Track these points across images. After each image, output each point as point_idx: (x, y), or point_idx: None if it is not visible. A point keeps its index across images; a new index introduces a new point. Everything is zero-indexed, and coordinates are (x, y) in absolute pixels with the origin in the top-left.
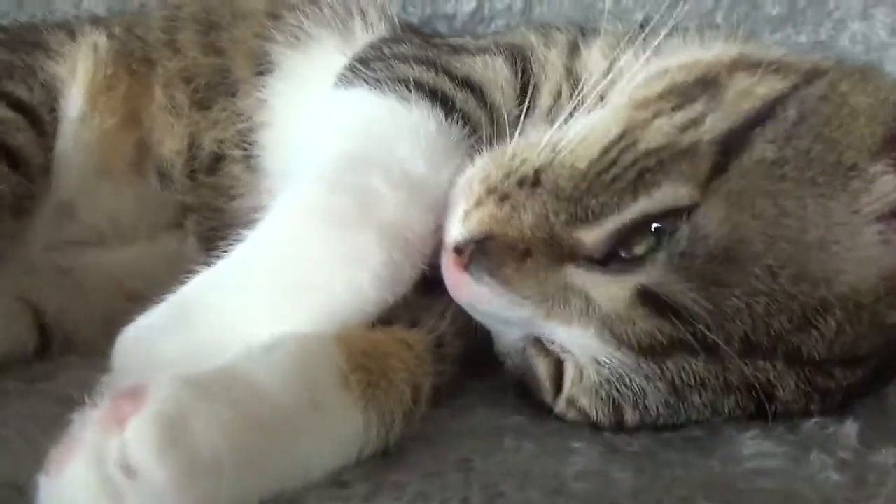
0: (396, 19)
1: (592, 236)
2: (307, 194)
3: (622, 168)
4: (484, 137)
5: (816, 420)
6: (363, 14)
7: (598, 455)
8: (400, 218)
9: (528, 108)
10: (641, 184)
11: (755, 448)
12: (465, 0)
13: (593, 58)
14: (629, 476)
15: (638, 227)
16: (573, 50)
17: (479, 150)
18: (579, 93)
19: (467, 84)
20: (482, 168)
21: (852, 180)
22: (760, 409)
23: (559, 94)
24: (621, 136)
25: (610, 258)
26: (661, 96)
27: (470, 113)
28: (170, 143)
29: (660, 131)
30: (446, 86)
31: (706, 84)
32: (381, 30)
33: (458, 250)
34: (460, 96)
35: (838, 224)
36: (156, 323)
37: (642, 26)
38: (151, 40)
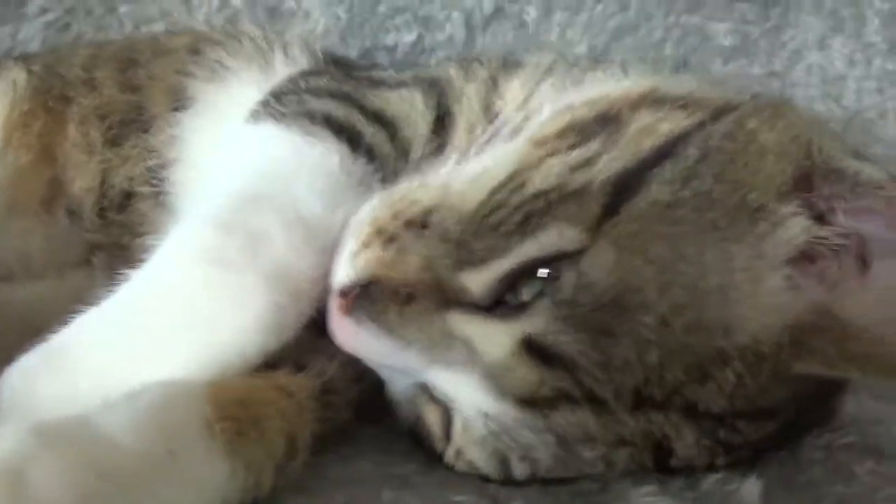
0: (320, 52)
1: (478, 281)
2: (194, 234)
3: (509, 211)
4: (392, 174)
5: (719, 476)
6: (285, 47)
7: None
8: (289, 260)
9: (442, 144)
10: (528, 227)
11: None
12: (406, 31)
13: (511, 92)
14: None
15: (525, 273)
16: (492, 84)
17: (387, 188)
18: (485, 129)
19: (379, 118)
20: (373, 208)
21: (758, 223)
22: (660, 464)
23: (474, 129)
24: (511, 177)
25: (497, 304)
26: (560, 134)
27: (378, 148)
28: (81, 181)
29: (551, 172)
30: (356, 119)
31: (606, 121)
32: (302, 63)
33: (343, 293)
34: (369, 131)
35: (740, 269)
36: (36, 364)
37: (565, 59)
38: (70, 77)
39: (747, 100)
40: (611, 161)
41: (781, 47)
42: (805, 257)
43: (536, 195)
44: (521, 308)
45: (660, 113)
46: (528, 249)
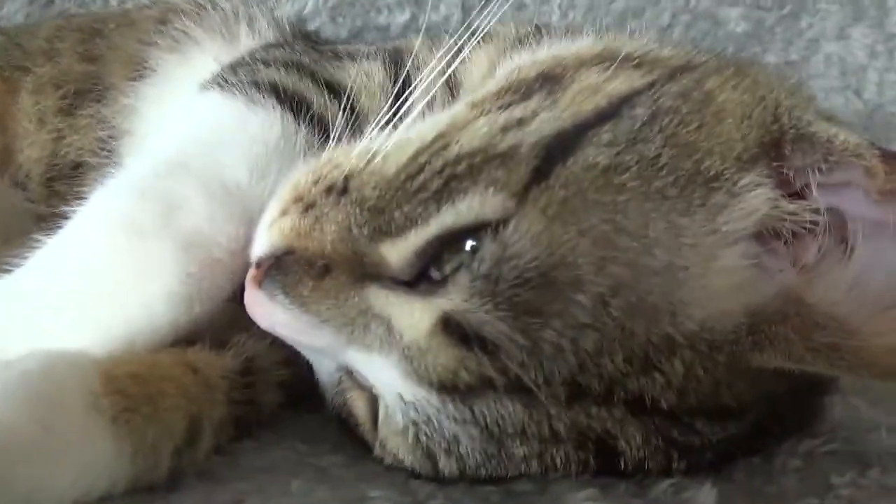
0: (288, 27)
1: (397, 253)
2: (109, 200)
3: (430, 175)
4: (342, 144)
5: (673, 481)
6: (250, 19)
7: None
8: (204, 228)
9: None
10: (446, 192)
11: None
12: (398, 11)
13: (477, 62)
14: None
15: (448, 244)
16: (458, 53)
17: None
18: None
19: (331, 88)
20: (295, 174)
21: (713, 193)
22: (607, 465)
23: (433, 99)
24: (436, 139)
25: (420, 278)
26: (498, 94)
27: (327, 118)
28: (30, 150)
29: (477, 133)
30: (307, 89)
31: (548, 79)
32: (268, 36)
33: (258, 264)
34: (319, 101)
35: (690, 245)
36: None
37: (539, 28)
38: (31, 48)
39: (709, 59)
40: (546, 121)
41: (798, 35)
42: (772, 235)
43: (458, 158)
44: (440, 283)
45: (608, 72)
46: (446, 218)
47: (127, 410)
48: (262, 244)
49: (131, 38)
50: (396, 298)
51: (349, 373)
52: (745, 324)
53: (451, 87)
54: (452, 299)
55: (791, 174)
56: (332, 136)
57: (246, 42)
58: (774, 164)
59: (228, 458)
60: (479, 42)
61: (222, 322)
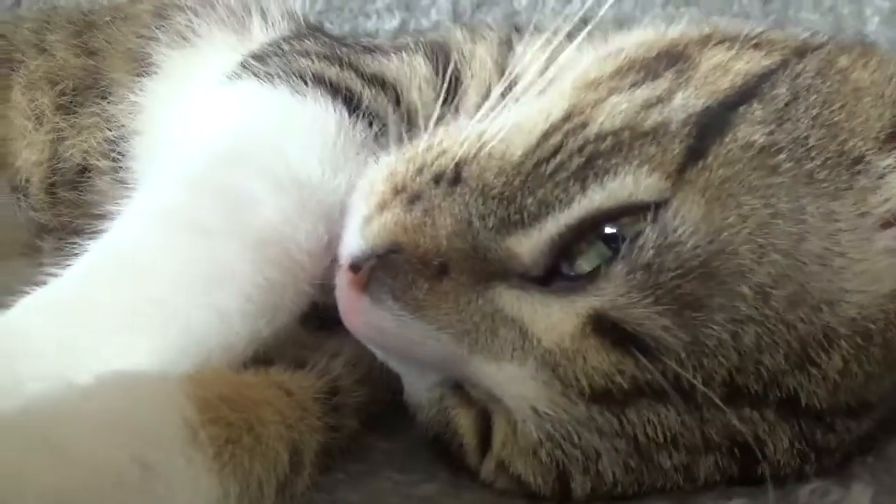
0: (303, 18)
1: (529, 245)
2: (164, 197)
3: (567, 155)
4: (397, 141)
5: (815, 485)
6: (263, 12)
7: None
8: (279, 228)
9: (452, 107)
10: (592, 172)
11: None
12: (388, 16)
13: (529, 53)
14: None
15: (586, 233)
16: (505, 46)
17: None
18: (509, 85)
19: (378, 82)
20: (388, 164)
21: (858, 176)
22: (744, 474)
23: (488, 92)
24: (566, 118)
25: (551, 276)
26: (616, 74)
27: (380, 112)
28: (28, 152)
29: (616, 109)
30: (353, 82)
31: (672, 58)
32: (282, 28)
33: (355, 267)
34: (369, 93)
35: (844, 231)
36: None
37: (585, 22)
38: (17, 40)
39: (827, 39)
40: (688, 98)
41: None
42: None
43: (601, 135)
44: (586, 278)
45: (732, 51)
46: (593, 200)
47: (229, 443)
48: (359, 243)
49: (129, 32)
50: (530, 298)
51: (455, 387)
52: (893, 309)
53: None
54: (605, 295)
55: None
56: (385, 133)
57: (259, 35)
58: None
59: (323, 493)
60: (472, 41)
61: (299, 336)
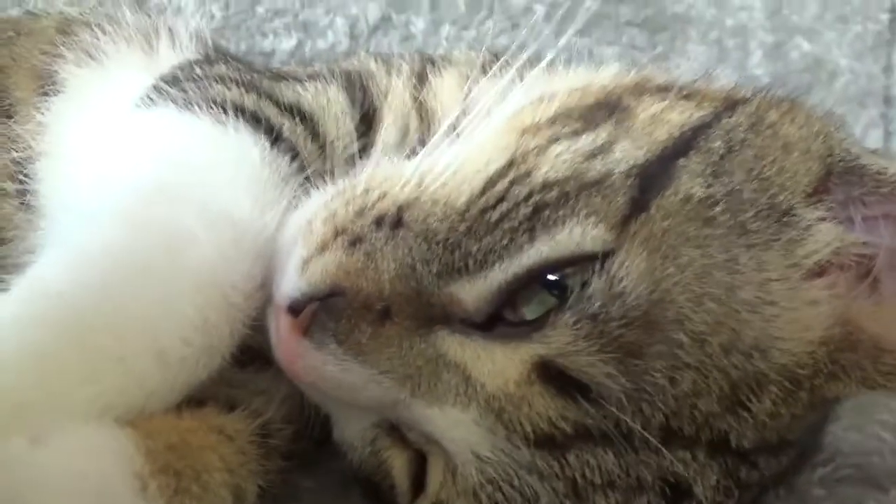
0: (210, 41)
1: (473, 292)
2: (100, 232)
3: (512, 204)
4: (314, 174)
5: None
6: (171, 32)
7: None
8: (218, 268)
9: (367, 143)
10: (539, 223)
11: None
12: (285, 36)
13: (446, 88)
14: None
15: (531, 281)
16: (421, 79)
17: (310, 189)
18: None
19: (295, 112)
20: (325, 205)
21: (787, 227)
22: None
23: (406, 127)
24: (509, 165)
25: (493, 322)
26: (554, 121)
27: (299, 144)
28: None
29: (559, 159)
30: (271, 112)
31: (609, 107)
32: (190, 50)
33: (295, 310)
34: (288, 125)
35: (774, 280)
36: None
37: (497, 56)
38: None
39: (753, 92)
40: (628, 150)
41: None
42: (836, 267)
43: (547, 185)
44: (531, 325)
45: (665, 102)
46: (542, 250)
47: (178, 493)
48: (298, 285)
49: (33, 48)
50: (472, 344)
51: (390, 428)
52: (823, 355)
53: (422, 114)
54: (552, 343)
55: (836, 206)
56: (304, 165)
57: (167, 55)
58: (827, 196)
59: None
60: (441, 70)
61: (227, 375)
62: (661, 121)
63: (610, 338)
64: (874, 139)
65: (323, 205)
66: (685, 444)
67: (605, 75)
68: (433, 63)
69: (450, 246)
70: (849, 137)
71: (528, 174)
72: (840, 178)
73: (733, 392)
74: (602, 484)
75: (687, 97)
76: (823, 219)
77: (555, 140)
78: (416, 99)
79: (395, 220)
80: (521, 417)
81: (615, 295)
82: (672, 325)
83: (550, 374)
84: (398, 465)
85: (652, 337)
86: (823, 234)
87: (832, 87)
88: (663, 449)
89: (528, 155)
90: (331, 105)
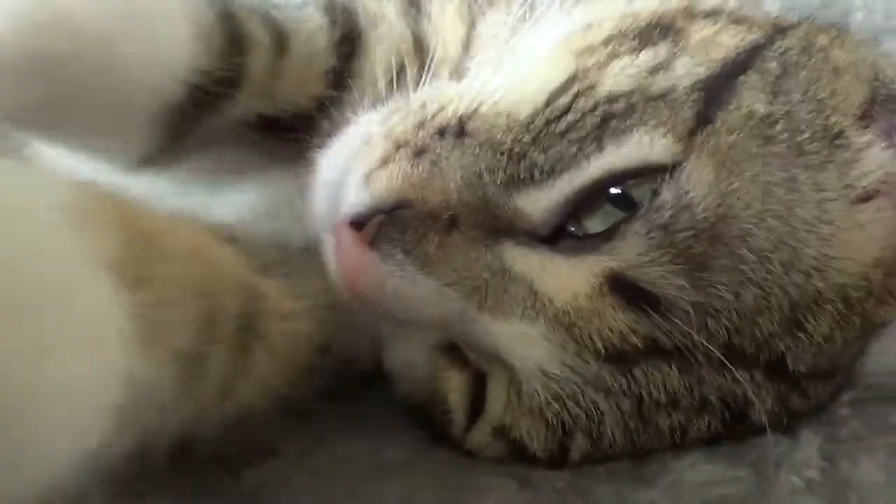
0: None
1: (539, 204)
2: None
3: (579, 114)
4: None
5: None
6: None
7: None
8: None
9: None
10: (608, 132)
11: (704, 475)
12: None
13: (448, 26)
14: None
15: (597, 191)
16: (413, 6)
17: None
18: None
19: (271, 27)
20: (382, 122)
21: (839, 150)
22: (728, 433)
23: (401, 60)
24: (571, 81)
25: (558, 235)
26: (609, 41)
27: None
28: None
29: (624, 72)
30: (251, 21)
31: (663, 28)
32: None
33: (359, 224)
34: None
35: (830, 200)
36: None
37: None
38: None
39: (800, 20)
40: (689, 66)
41: None
42: (879, 192)
43: (612, 97)
44: (600, 238)
45: (717, 25)
46: (609, 160)
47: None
48: (362, 199)
49: None
50: (539, 257)
51: (449, 350)
52: (874, 278)
53: (420, 49)
54: (622, 255)
55: (881, 133)
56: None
57: None
58: (877, 121)
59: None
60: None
61: None
62: (715, 43)
63: (679, 249)
64: None
65: (380, 118)
66: (746, 364)
67: (649, 3)
68: None
69: (515, 156)
70: (891, 67)
71: (592, 87)
72: (883, 106)
73: (792, 312)
74: (666, 403)
75: (737, 22)
76: (873, 143)
77: (615, 56)
78: (412, 32)
79: (458, 130)
80: (592, 332)
81: (684, 206)
82: (737, 239)
83: (621, 287)
84: (456, 387)
85: (718, 250)
86: (873, 159)
87: (846, 25)
88: (728, 364)
89: (589, 71)
90: (305, 23)
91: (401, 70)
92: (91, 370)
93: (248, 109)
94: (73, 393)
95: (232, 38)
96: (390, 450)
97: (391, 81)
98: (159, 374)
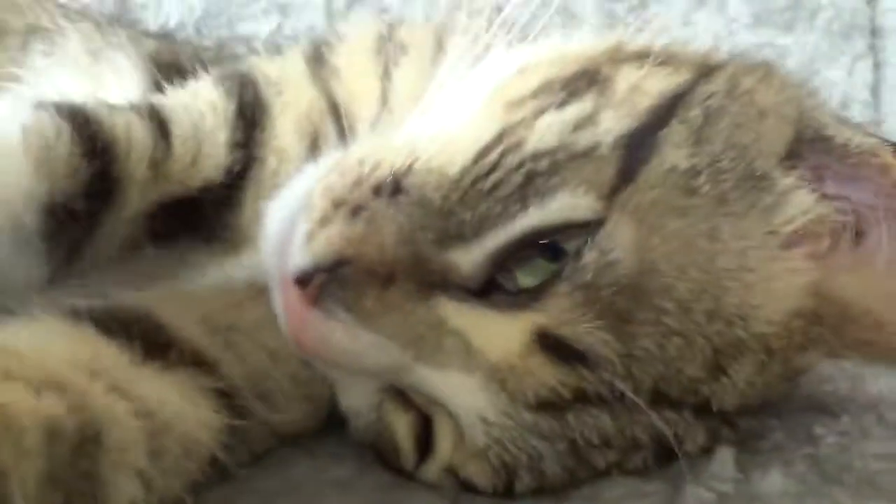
0: None
1: (468, 259)
2: None
3: (505, 172)
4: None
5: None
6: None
7: None
8: None
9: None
10: (532, 191)
11: (620, 488)
12: (265, 20)
13: (360, 78)
14: None
15: (523, 247)
16: (318, 63)
17: None
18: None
19: (150, 112)
20: (321, 179)
21: (763, 193)
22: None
23: (315, 123)
24: (500, 137)
25: (490, 288)
26: (538, 93)
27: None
28: None
29: (549, 130)
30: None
31: (590, 77)
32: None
33: (303, 281)
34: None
35: (753, 248)
36: None
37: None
38: None
39: (728, 58)
40: (613, 120)
41: (648, 24)
42: (806, 235)
43: (537, 155)
44: (528, 294)
45: (642, 70)
46: (533, 217)
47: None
48: (305, 258)
49: None
50: (471, 311)
51: (395, 393)
52: (795, 327)
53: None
54: (550, 312)
55: (808, 173)
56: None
57: None
58: (801, 162)
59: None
60: (337, 49)
61: None
62: (640, 90)
63: (604, 305)
64: (863, 71)
65: (318, 179)
66: (674, 406)
67: (580, 44)
68: (328, 44)
69: (445, 214)
70: (820, 105)
71: (518, 145)
72: (809, 147)
73: (715, 358)
74: (599, 444)
75: (663, 63)
76: (798, 186)
77: (541, 112)
78: (324, 94)
79: (393, 188)
80: (524, 385)
81: (606, 263)
82: (659, 292)
83: (549, 344)
84: (402, 428)
85: (641, 304)
86: (799, 201)
87: (815, 24)
88: (650, 411)
89: (517, 126)
90: (196, 99)
91: (316, 134)
92: None
93: (143, 204)
94: None
95: (87, 151)
96: (335, 469)
97: (310, 145)
98: None
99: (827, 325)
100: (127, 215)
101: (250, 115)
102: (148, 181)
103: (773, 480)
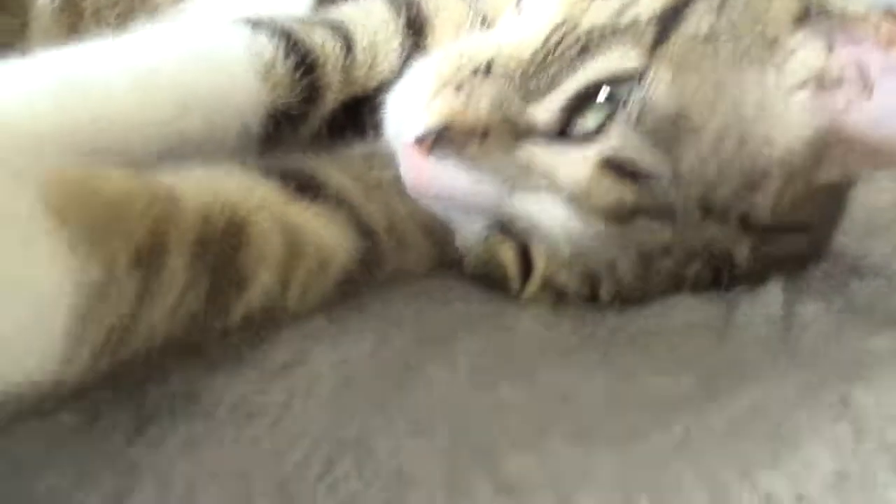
0: None
1: (544, 110)
2: None
3: (567, 46)
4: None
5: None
6: None
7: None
8: None
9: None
10: (588, 55)
11: (684, 303)
12: None
13: None
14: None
15: (587, 97)
16: None
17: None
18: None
19: (331, 25)
20: (433, 67)
21: (776, 51)
22: (715, 280)
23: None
24: (562, 24)
25: (563, 132)
26: None
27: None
28: None
29: (600, 11)
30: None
31: None
32: None
33: (420, 142)
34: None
35: (771, 90)
36: None
37: None
38: None
39: None
40: (649, 3)
41: None
42: (816, 84)
43: (591, 30)
44: (593, 133)
45: None
46: (589, 71)
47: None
48: (423, 122)
49: None
50: (552, 150)
51: (501, 228)
52: (810, 151)
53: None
54: (611, 143)
55: (814, 36)
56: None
57: None
58: (808, 22)
59: None
60: None
61: None
62: None
63: (652, 134)
64: None
65: (432, 64)
66: (719, 219)
67: None
68: None
69: (524, 82)
70: None
71: (576, 26)
72: (816, 18)
73: (747, 178)
74: (663, 250)
75: None
76: (805, 46)
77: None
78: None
79: (485, 70)
80: (597, 200)
81: (651, 101)
82: (695, 127)
83: (613, 166)
84: (509, 255)
85: (681, 135)
86: (807, 56)
87: None
88: (690, 221)
89: (576, 14)
90: (370, 16)
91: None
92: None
93: (334, 104)
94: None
95: (297, 64)
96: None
97: None
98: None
99: (842, 150)
100: (322, 113)
101: (417, 27)
102: (340, 85)
103: (817, 307)
